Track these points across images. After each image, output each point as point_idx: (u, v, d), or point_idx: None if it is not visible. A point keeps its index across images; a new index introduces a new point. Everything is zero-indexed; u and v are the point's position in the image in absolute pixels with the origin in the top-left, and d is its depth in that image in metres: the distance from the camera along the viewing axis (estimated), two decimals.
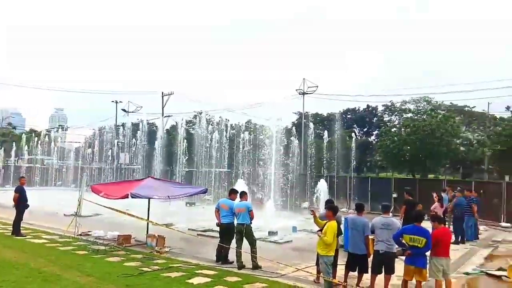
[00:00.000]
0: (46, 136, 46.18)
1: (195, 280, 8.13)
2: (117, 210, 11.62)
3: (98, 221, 16.50)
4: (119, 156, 37.88)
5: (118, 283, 7.86)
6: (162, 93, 43.30)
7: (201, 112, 38.22)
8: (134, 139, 34.78)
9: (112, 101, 50.09)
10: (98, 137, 40.68)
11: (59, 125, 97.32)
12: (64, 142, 57.61)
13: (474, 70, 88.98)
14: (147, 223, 12.27)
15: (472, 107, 52.54)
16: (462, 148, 34.93)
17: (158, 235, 11.70)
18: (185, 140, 29.87)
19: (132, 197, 10.91)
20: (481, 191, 19.32)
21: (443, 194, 15.79)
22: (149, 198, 11.89)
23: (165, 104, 43.10)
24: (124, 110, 47.68)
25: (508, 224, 18.85)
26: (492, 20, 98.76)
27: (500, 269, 10.03)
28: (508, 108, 40.58)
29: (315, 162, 27.42)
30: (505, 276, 9.44)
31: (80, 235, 13.14)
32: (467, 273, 9.88)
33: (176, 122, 43.76)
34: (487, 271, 10.04)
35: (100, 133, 43.11)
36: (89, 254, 10.43)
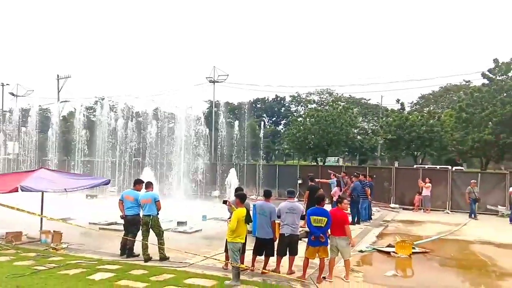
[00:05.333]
0: None
1: (97, 276, 7.63)
2: (2, 205, 10.35)
3: None
4: (6, 145, 33.91)
5: (7, 285, 7.04)
6: (58, 75, 39.72)
7: (103, 98, 35.90)
8: (24, 127, 31.26)
9: None
10: None
11: None
12: None
13: (370, 64, 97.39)
14: (41, 219, 11.17)
15: (368, 100, 57.83)
16: (359, 137, 38.06)
17: (54, 231, 10.76)
18: (85, 128, 27.73)
19: (22, 191, 9.80)
20: (374, 175, 21.22)
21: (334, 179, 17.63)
22: (42, 192, 10.81)
23: (61, 88, 39.62)
24: (12, 93, 42.84)
25: (396, 205, 21.09)
26: (386, 20, 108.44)
27: (389, 245, 11.17)
28: (398, 100, 44.97)
29: (226, 151, 27.60)
30: (394, 252, 10.55)
31: None
32: (361, 251, 10.81)
33: (75, 108, 40.57)
34: (378, 248, 11.12)
35: None
36: None
